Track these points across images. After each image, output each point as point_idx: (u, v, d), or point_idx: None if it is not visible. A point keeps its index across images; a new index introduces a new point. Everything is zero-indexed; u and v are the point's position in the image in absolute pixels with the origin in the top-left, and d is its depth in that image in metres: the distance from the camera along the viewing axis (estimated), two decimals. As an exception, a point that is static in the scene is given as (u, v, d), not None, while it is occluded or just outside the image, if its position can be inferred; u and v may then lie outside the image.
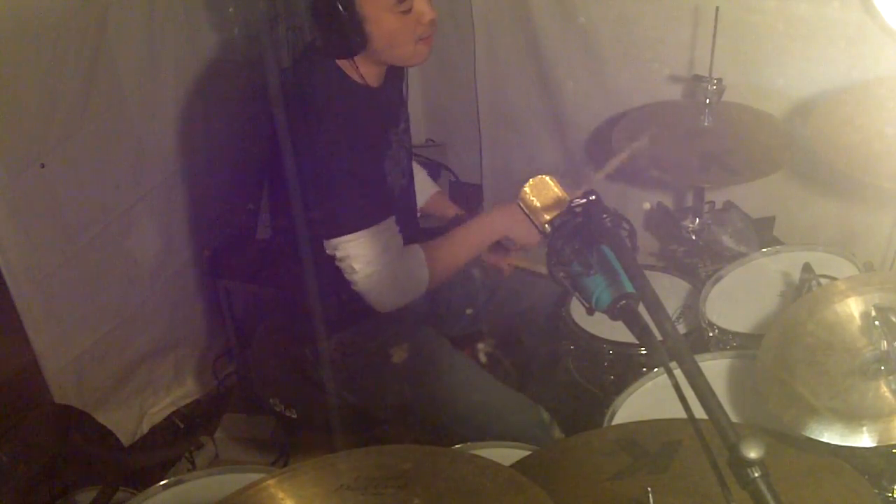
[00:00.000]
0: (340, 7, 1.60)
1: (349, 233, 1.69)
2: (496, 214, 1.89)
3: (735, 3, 2.13)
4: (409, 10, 1.66)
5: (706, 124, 2.20)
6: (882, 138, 1.87)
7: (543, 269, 2.03)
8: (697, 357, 1.15)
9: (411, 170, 1.98)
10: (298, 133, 1.68)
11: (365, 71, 1.74)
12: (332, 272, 1.76)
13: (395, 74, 1.89)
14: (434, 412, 1.88)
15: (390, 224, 1.75)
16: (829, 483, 1.21)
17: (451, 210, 2.21)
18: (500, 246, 1.99)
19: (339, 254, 1.72)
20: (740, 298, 1.90)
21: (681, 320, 2.00)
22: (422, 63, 1.81)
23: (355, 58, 1.71)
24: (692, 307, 1.98)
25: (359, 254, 1.70)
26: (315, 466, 1.15)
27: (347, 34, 1.64)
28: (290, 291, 1.99)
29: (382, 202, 1.76)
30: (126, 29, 2.26)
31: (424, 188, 2.19)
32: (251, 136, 2.56)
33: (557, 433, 1.86)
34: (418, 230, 2.09)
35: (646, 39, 2.41)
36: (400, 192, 1.89)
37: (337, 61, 1.73)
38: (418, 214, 2.24)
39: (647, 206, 2.47)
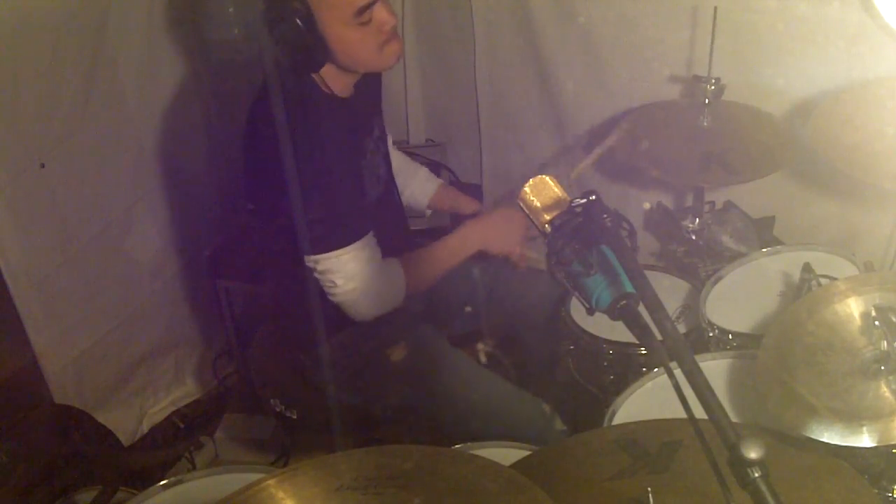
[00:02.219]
0: (300, 24, 1.60)
1: (329, 250, 1.70)
2: (471, 228, 1.93)
3: (735, 3, 2.13)
4: (368, 21, 1.65)
5: (706, 124, 2.20)
6: (882, 138, 1.87)
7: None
8: (697, 357, 1.15)
9: (390, 176, 1.98)
10: (271, 146, 1.67)
11: (334, 82, 1.74)
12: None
13: (368, 82, 1.88)
14: (434, 409, 1.88)
15: (369, 238, 1.75)
16: (829, 483, 1.21)
17: (461, 199, 2.23)
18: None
19: (318, 268, 1.72)
20: (740, 298, 1.90)
21: (681, 320, 2.00)
22: (393, 66, 1.79)
23: (325, 69, 1.71)
24: (692, 307, 1.98)
25: (339, 269, 1.71)
26: (315, 466, 1.15)
27: (309, 50, 1.64)
28: (282, 296, 2.00)
29: (361, 217, 1.76)
30: (126, 29, 2.26)
31: (427, 186, 2.20)
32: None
33: (559, 424, 1.86)
34: (403, 235, 2.09)
35: (646, 39, 2.41)
36: (378, 199, 1.89)
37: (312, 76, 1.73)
38: (429, 213, 2.25)
39: (647, 206, 2.47)
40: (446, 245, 1.91)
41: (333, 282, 1.72)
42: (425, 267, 1.88)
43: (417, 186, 2.20)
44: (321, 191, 1.69)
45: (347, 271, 1.71)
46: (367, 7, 1.63)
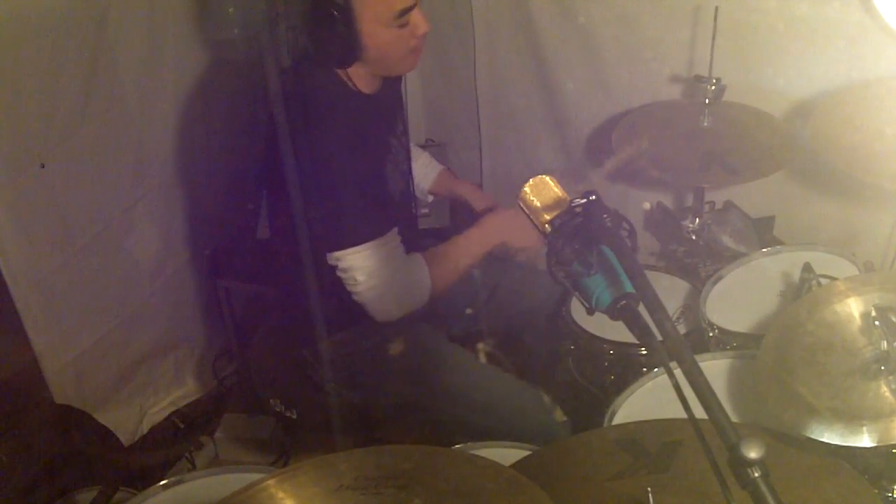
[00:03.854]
0: (339, 20, 1.60)
1: (352, 245, 1.69)
2: (494, 221, 1.92)
3: (735, 3, 2.13)
4: (405, 24, 1.67)
5: (706, 124, 2.20)
6: (882, 138, 1.87)
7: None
8: (697, 357, 1.15)
9: (410, 173, 1.99)
10: (296, 141, 1.68)
11: (360, 80, 1.75)
12: (330, 275, 1.76)
13: (391, 80, 1.89)
14: (434, 404, 1.88)
15: (393, 235, 1.75)
16: (829, 483, 1.21)
17: (459, 184, 2.23)
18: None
19: (341, 265, 1.72)
20: (740, 298, 1.90)
21: (681, 320, 2.00)
22: (410, 71, 1.84)
23: (351, 67, 1.72)
24: (692, 307, 1.98)
25: (362, 266, 1.71)
26: (315, 466, 1.15)
27: (344, 46, 1.65)
28: (289, 293, 1.99)
29: (385, 212, 1.76)
30: (126, 29, 2.26)
31: (429, 170, 2.20)
32: (251, 136, 2.56)
33: (559, 415, 1.87)
34: (417, 232, 2.09)
35: (646, 39, 2.42)
36: (400, 196, 1.89)
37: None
38: (430, 199, 2.25)
39: (647, 206, 2.47)
40: (469, 238, 1.89)
41: (356, 279, 1.72)
42: (449, 262, 1.86)
43: (419, 171, 2.20)
44: (346, 186, 1.69)
45: (369, 268, 1.71)
46: (408, 10, 1.65)
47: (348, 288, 1.74)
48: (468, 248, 1.89)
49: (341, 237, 1.70)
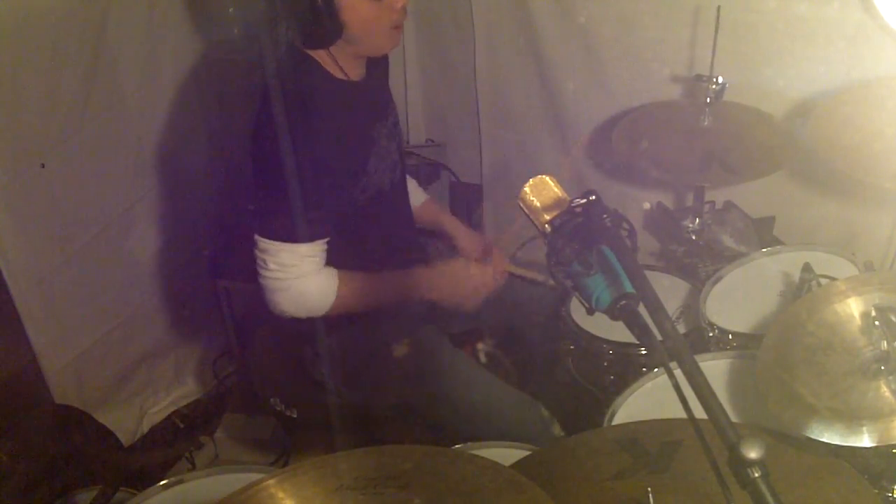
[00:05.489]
0: None
1: (278, 239, 1.69)
2: (424, 276, 1.88)
3: (735, 3, 2.13)
4: None
5: (706, 124, 2.20)
6: (882, 138, 1.87)
7: (539, 277, 2.04)
8: (697, 357, 1.15)
9: (403, 164, 1.97)
10: (278, 134, 1.67)
11: (346, 64, 1.74)
12: None
13: (378, 68, 1.88)
14: (433, 409, 1.88)
15: (320, 244, 1.73)
16: (829, 483, 1.21)
17: (445, 216, 2.20)
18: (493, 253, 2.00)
19: (260, 245, 1.72)
20: (740, 298, 1.90)
21: (681, 320, 2.00)
22: (392, 49, 1.81)
23: (333, 51, 1.71)
24: (692, 307, 1.98)
25: (275, 257, 1.71)
26: (315, 466, 1.15)
27: (323, 23, 1.64)
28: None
29: (327, 218, 1.73)
30: (126, 29, 2.26)
31: (413, 196, 2.18)
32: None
33: (557, 430, 1.87)
34: (412, 227, 2.08)
35: (646, 39, 2.41)
36: (390, 186, 1.88)
37: (317, 58, 1.73)
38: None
39: (647, 206, 2.48)
40: (394, 281, 1.86)
41: (265, 264, 1.72)
42: (367, 291, 1.82)
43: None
44: (306, 182, 1.67)
45: (281, 262, 1.71)
46: None
47: (257, 268, 1.74)
48: (388, 289, 1.86)
49: (270, 227, 1.71)
